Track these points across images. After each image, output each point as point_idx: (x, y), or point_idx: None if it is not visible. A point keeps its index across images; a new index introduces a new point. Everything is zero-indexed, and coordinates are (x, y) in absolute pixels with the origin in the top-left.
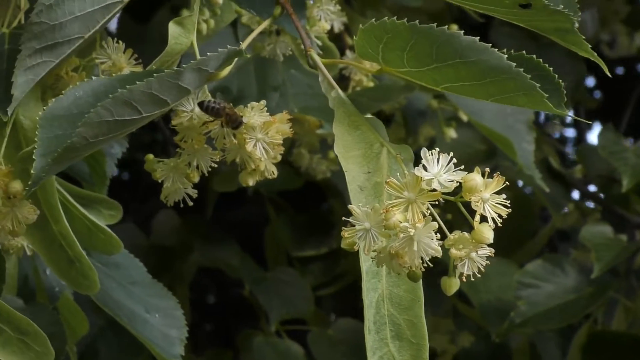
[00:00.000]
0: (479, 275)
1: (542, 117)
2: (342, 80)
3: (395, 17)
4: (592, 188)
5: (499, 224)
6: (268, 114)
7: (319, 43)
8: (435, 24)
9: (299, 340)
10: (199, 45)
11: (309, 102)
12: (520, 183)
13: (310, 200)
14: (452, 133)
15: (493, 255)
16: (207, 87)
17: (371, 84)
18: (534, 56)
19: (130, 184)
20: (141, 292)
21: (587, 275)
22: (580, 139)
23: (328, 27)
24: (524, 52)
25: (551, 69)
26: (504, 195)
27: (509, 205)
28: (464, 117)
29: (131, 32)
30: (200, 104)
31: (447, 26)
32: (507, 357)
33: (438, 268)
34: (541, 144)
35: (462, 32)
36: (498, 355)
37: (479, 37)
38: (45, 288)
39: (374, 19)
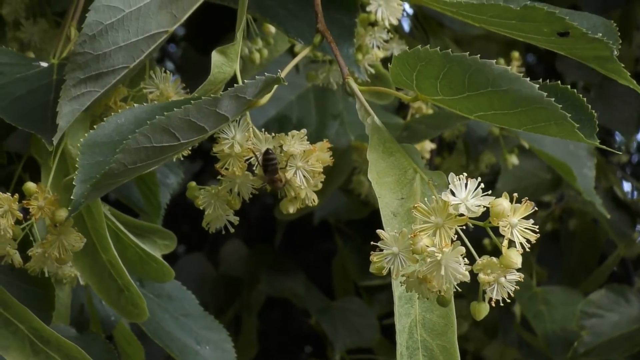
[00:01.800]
0: (508, 301)
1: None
2: (402, 108)
3: (449, 49)
4: None
5: (527, 249)
6: (308, 142)
7: (372, 71)
8: (468, 52)
9: None
10: (253, 74)
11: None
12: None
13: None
14: (514, 160)
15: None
16: (267, 116)
17: (430, 111)
18: (568, 86)
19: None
20: (193, 325)
21: None
22: None
23: (381, 55)
24: (580, 81)
25: (585, 99)
26: (532, 221)
27: (538, 230)
28: (526, 144)
29: (193, 63)
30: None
31: (496, 60)
32: None
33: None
34: (607, 173)
35: (494, 61)
36: None
37: (543, 67)
38: (100, 318)
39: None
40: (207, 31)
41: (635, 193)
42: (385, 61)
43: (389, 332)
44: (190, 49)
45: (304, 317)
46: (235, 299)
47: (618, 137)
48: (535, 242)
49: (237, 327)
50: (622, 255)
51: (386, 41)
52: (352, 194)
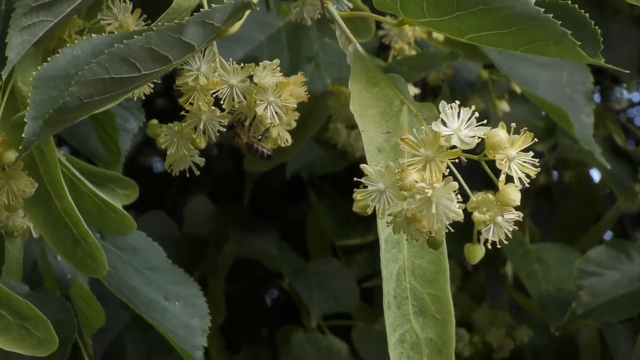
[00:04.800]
0: (505, 242)
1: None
2: (383, 49)
3: None
4: None
5: (527, 185)
6: (281, 74)
7: (350, 5)
8: None
9: (343, 337)
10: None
11: (344, 73)
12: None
13: (355, 184)
14: (504, 106)
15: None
16: (235, 59)
17: (413, 52)
18: (569, 2)
19: (165, 174)
20: (160, 279)
21: None
22: None
23: None
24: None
25: (587, 14)
26: (531, 153)
27: (538, 164)
28: (518, 89)
29: None
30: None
31: None
32: (572, 352)
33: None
34: (605, 120)
35: None
36: (561, 350)
37: None
38: (55, 275)
39: None
40: None
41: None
42: None
43: (368, 296)
44: None
45: (275, 280)
46: (200, 260)
47: None
48: (533, 177)
49: (203, 291)
50: (621, 210)
51: None
52: (327, 145)
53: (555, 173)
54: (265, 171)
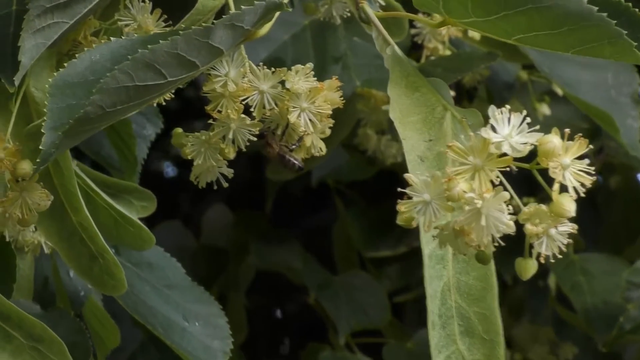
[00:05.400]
0: (559, 257)
1: None
2: (415, 48)
3: None
4: None
5: (583, 195)
6: (315, 79)
7: (382, 3)
8: None
9: (373, 355)
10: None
11: (374, 74)
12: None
13: (385, 192)
14: (545, 109)
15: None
16: (258, 58)
17: (448, 52)
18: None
19: (178, 180)
20: (179, 297)
21: None
22: None
23: None
24: None
25: None
26: (587, 160)
27: (594, 172)
28: (559, 91)
29: None
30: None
31: None
32: None
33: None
34: None
35: None
36: None
37: None
38: (67, 293)
39: None
40: None
41: None
42: None
43: (400, 311)
44: None
45: (299, 294)
46: (220, 273)
47: None
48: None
49: (222, 307)
50: None
51: None
52: (355, 150)
53: (600, 178)
54: None
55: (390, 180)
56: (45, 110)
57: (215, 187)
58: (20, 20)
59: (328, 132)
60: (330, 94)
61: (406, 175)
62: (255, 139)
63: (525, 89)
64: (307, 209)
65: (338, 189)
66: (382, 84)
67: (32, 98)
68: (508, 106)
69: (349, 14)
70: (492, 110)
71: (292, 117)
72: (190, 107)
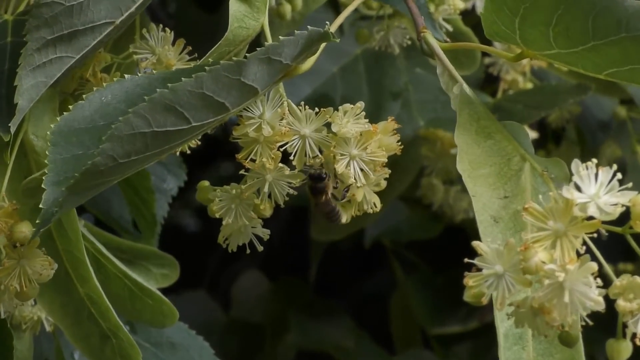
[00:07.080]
0: None
1: None
2: (489, 82)
3: None
4: None
5: None
6: (367, 120)
7: (449, 28)
8: None
9: None
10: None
11: (440, 112)
12: None
13: (453, 254)
14: None
15: None
16: (300, 95)
17: (529, 85)
18: None
19: (202, 237)
20: None
21: None
22: None
23: (461, 5)
24: None
25: None
26: None
27: None
28: None
29: (194, 22)
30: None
31: None
32: None
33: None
34: None
35: None
36: None
37: None
38: None
39: None
40: None
41: None
42: (466, 14)
43: None
44: (188, 3)
45: None
46: (254, 354)
47: None
48: None
49: None
50: None
51: None
52: (417, 204)
53: None
54: None
55: (459, 240)
56: (46, 161)
57: (248, 251)
58: (17, 55)
59: (384, 184)
60: (385, 138)
61: (474, 243)
62: (294, 192)
63: (623, 128)
64: (359, 276)
65: (396, 251)
66: (450, 124)
67: (31, 147)
68: (595, 160)
69: (409, 42)
70: (575, 165)
71: (340, 167)
72: (217, 148)
